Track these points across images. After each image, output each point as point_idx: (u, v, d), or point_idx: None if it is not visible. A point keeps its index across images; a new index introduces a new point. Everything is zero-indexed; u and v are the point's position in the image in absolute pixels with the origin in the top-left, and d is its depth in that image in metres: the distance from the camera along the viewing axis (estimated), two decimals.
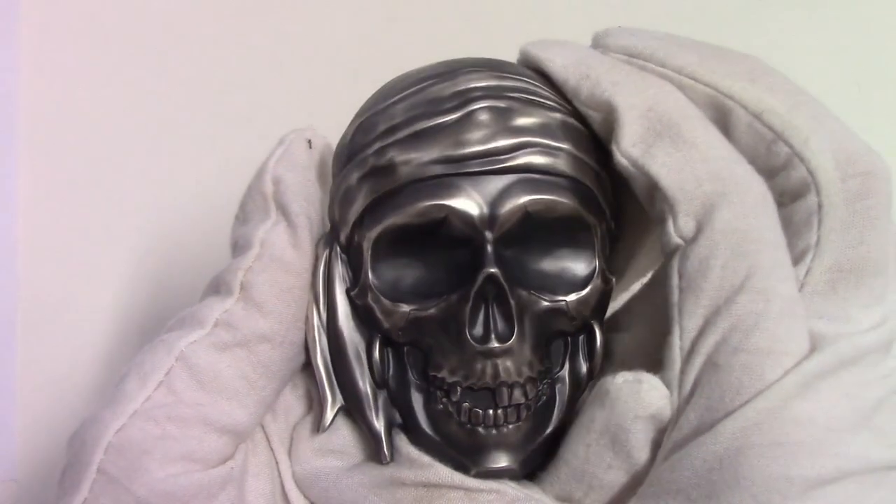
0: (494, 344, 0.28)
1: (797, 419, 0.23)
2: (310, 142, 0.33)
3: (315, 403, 0.32)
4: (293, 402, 0.32)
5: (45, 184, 0.54)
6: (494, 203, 0.28)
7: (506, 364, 0.28)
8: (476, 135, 0.28)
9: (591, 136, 0.30)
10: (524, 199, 0.28)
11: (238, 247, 0.31)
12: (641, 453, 0.26)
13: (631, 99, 0.28)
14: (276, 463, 0.31)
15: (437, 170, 0.28)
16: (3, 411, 0.52)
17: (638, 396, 0.26)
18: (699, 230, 0.26)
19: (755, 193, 0.26)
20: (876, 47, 0.50)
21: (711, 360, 0.25)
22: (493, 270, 0.28)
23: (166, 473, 0.27)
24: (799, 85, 0.29)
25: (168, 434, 0.27)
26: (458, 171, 0.28)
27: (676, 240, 0.26)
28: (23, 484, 0.52)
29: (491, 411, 0.28)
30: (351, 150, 0.31)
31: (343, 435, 0.31)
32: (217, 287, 0.31)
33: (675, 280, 0.26)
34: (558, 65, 0.30)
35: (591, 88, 0.28)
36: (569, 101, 0.30)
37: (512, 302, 0.28)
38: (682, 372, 0.25)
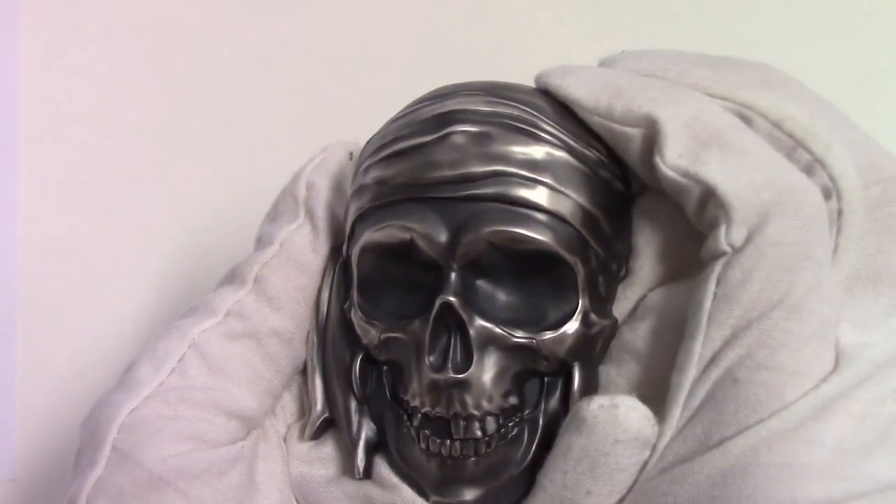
0: (450, 374, 0.27)
1: (809, 441, 0.22)
2: (351, 154, 0.33)
3: (307, 408, 0.32)
4: (288, 401, 0.33)
5: (45, 183, 0.54)
6: (458, 230, 0.27)
7: (462, 395, 0.27)
8: (447, 158, 0.27)
9: (590, 174, 0.28)
10: (488, 229, 0.27)
11: (260, 242, 0.32)
12: (625, 474, 0.25)
13: (671, 110, 0.27)
14: (283, 454, 0.31)
15: (408, 192, 0.28)
16: (3, 411, 0.52)
17: (616, 421, 0.25)
18: (749, 240, 0.25)
19: (812, 205, 0.25)
20: (876, 47, 0.50)
21: (731, 373, 0.24)
22: (450, 299, 0.27)
23: (177, 451, 0.27)
24: (815, 91, 0.29)
25: (180, 415, 0.28)
26: (427, 195, 0.28)
27: (725, 247, 0.25)
28: (22, 483, 0.52)
29: (448, 442, 0.28)
30: (355, 167, 0.32)
31: (330, 444, 0.31)
32: (232, 278, 0.32)
33: (712, 286, 0.25)
34: (585, 90, 0.29)
35: (627, 105, 0.27)
36: (570, 136, 0.29)
37: (471, 332, 0.27)
38: (697, 381, 0.24)
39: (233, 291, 0.31)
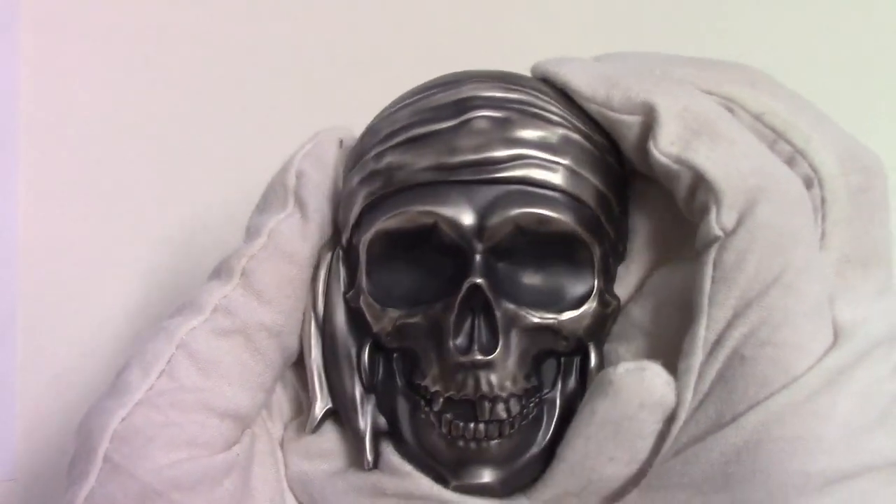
0: (477, 356, 0.27)
1: (817, 414, 0.23)
2: (341, 141, 0.33)
3: (304, 404, 0.32)
4: (283, 400, 0.33)
5: (45, 183, 0.54)
6: (484, 213, 0.28)
7: (488, 377, 0.27)
8: (470, 143, 0.28)
9: (600, 157, 0.29)
10: (515, 211, 0.27)
11: (249, 234, 0.32)
12: (645, 442, 0.26)
13: (666, 100, 0.28)
14: (276, 458, 0.31)
15: (430, 176, 0.28)
16: (3, 411, 0.52)
17: (642, 384, 0.26)
18: (740, 223, 0.26)
19: (795, 192, 0.26)
20: (875, 47, 0.50)
21: (738, 351, 0.25)
22: (478, 281, 0.27)
23: (171, 460, 0.27)
24: (797, 91, 0.30)
25: (171, 421, 0.27)
26: (450, 179, 0.28)
27: (717, 231, 0.26)
28: (22, 483, 0.52)
29: (472, 425, 0.28)
30: (356, 154, 0.31)
31: (331, 437, 0.31)
32: (219, 272, 0.31)
33: (708, 270, 0.26)
34: (583, 80, 0.29)
35: (625, 93, 0.28)
36: (578, 120, 0.29)
37: (497, 314, 0.27)
38: (706, 363, 0.25)
39: (219, 286, 0.30)
